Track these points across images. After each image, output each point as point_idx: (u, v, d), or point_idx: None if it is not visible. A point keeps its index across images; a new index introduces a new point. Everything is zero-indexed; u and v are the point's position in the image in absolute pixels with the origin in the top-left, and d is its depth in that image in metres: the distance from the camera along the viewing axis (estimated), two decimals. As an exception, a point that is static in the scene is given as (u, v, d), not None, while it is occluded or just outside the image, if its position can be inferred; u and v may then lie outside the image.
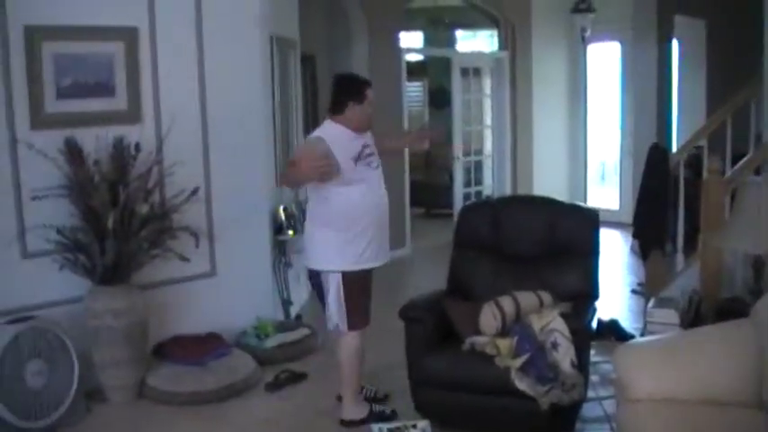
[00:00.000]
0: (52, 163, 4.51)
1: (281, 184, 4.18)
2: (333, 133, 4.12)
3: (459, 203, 9.37)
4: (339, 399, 4.43)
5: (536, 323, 3.90)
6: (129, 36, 4.89)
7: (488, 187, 10.10)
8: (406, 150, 8.62)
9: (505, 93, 9.85)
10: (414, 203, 9.37)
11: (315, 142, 4.09)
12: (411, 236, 9.01)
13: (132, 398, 4.69)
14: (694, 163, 6.19)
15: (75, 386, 4.39)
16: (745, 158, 5.07)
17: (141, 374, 4.73)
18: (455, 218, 8.72)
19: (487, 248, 4.57)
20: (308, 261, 4.30)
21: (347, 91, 4.16)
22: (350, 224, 4.10)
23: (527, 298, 4.16)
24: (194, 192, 4.93)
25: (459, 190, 9.56)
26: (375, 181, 4.20)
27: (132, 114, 4.93)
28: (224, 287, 5.39)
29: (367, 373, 4.46)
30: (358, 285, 4.19)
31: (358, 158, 4.11)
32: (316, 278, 4.30)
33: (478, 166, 10.03)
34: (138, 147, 4.70)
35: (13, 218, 4.56)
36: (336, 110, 4.15)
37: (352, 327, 4.20)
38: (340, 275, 4.14)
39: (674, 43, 8.94)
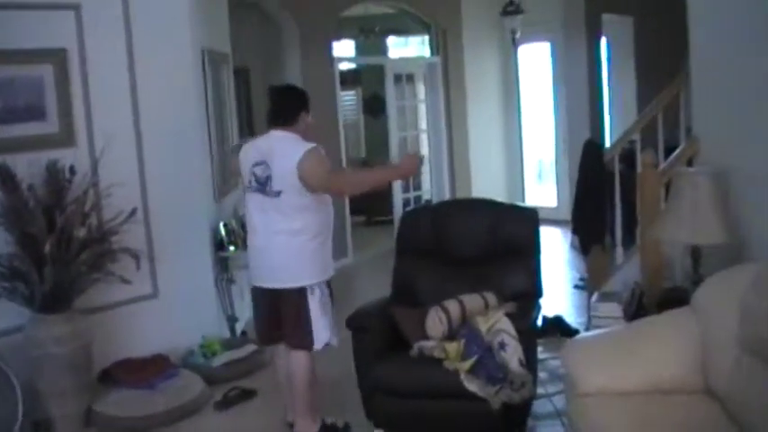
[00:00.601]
0: (-16, 190, 4.42)
1: (373, 186, 4.20)
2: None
3: (399, 210, 9.46)
4: (290, 426, 4.38)
5: (482, 325, 3.94)
6: (57, 58, 4.84)
7: (427, 192, 10.19)
8: (344, 160, 8.67)
9: (439, 97, 9.96)
10: (354, 212, 9.39)
11: (319, 149, 4.04)
12: (353, 245, 9.03)
13: (80, 426, 4.61)
14: (628, 157, 6.31)
15: (20, 418, 4.29)
16: (677, 150, 5.18)
17: (88, 402, 4.65)
18: (395, 224, 8.82)
19: (430, 253, 4.59)
20: (290, 278, 4.06)
21: (300, 101, 4.15)
22: (329, 232, 4.16)
23: (472, 300, 4.19)
24: (132, 213, 4.87)
25: (398, 196, 9.62)
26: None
27: (65, 137, 4.88)
28: (168, 307, 5.35)
29: (317, 387, 4.41)
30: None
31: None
32: (289, 298, 4.09)
33: None
34: (72, 170, 4.64)
35: (-56, 248, 4.46)
36: (289, 120, 4.08)
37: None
38: (326, 286, 4.13)
39: (603, 41, 9.11)
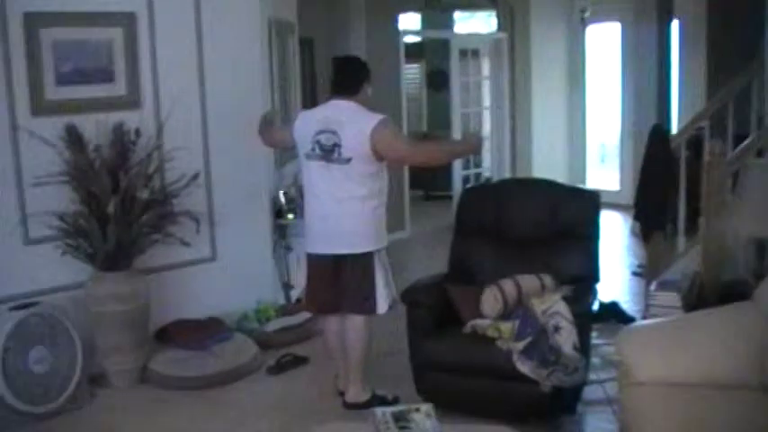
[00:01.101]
0: (53, 150, 4.53)
1: (442, 161, 4.78)
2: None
3: (458, 186, 9.41)
4: (341, 394, 4.44)
5: (538, 306, 3.92)
6: (127, 21, 4.90)
7: (487, 170, 10.10)
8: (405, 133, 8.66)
9: (504, 74, 9.84)
10: (412, 186, 9.39)
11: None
12: (410, 219, 9.03)
13: (135, 382, 4.72)
14: (695, 144, 6.20)
15: (78, 372, 4.42)
16: (746, 141, 5.07)
17: (143, 359, 4.75)
18: (454, 201, 8.82)
19: (488, 232, 4.59)
20: (359, 243, 4.11)
21: (363, 71, 4.20)
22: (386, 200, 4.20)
23: (529, 281, 4.18)
24: (194, 177, 4.94)
25: (457, 172, 9.56)
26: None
27: (132, 100, 4.95)
28: (225, 271, 5.41)
29: (369, 358, 4.45)
30: None
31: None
32: (355, 263, 4.13)
33: None
34: (137, 132, 4.71)
35: (14, 205, 4.59)
36: (352, 90, 4.13)
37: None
38: (384, 251, 4.20)
39: (675, 22, 8.91)
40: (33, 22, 4.54)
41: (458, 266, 4.57)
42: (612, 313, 5.57)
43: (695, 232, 5.61)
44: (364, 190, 4.06)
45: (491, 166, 10.09)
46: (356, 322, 4.23)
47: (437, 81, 12.08)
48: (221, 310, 5.31)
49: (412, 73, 12.10)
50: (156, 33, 5.02)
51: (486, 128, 10.09)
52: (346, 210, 4.07)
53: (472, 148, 4.32)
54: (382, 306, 4.18)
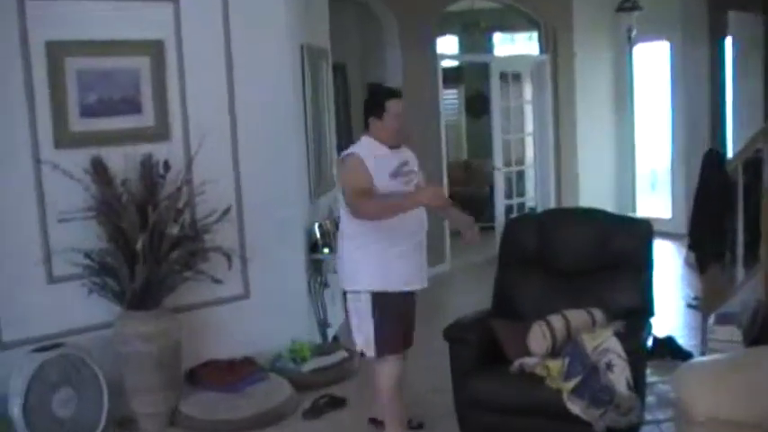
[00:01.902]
0: (78, 183, 4.56)
1: (363, 216, 4.01)
2: (367, 147, 4.13)
3: (500, 216, 9.38)
4: (373, 423, 4.46)
5: (589, 343, 3.87)
6: (154, 50, 4.96)
7: (531, 199, 10.07)
8: (444, 162, 8.68)
9: (547, 98, 9.82)
10: None
11: (354, 159, 4.08)
12: (451, 251, 8.98)
13: (165, 426, 4.72)
14: (754, 167, 6.11)
15: (104, 414, 4.44)
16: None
17: (174, 401, 4.75)
18: (497, 232, 8.77)
19: (534, 264, 4.56)
20: (341, 279, 4.29)
21: (367, 107, 4.22)
22: (385, 243, 4.08)
23: (578, 316, 4.13)
24: (226, 211, 4.95)
25: (500, 202, 9.54)
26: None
27: (160, 131, 5.00)
28: (258, 309, 5.42)
29: (410, 396, 4.45)
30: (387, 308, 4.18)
31: (396, 174, 4.11)
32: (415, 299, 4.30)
33: (520, 176, 10.01)
34: (167, 165, 4.74)
35: (38, 241, 4.65)
36: (366, 126, 4.21)
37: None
38: (365, 297, 4.12)
39: (728, 41, 8.84)
40: (57, 50, 4.61)
41: (502, 301, 4.54)
42: (668, 349, 5.48)
43: (755, 261, 5.52)
44: (347, 229, 4.17)
45: (535, 195, 10.03)
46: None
47: (477, 106, 12.12)
48: (254, 350, 5.30)
49: (451, 98, 12.10)
50: (185, 62, 5.07)
51: (529, 155, 10.05)
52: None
53: (428, 199, 3.97)
54: (362, 349, 4.20)
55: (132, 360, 4.56)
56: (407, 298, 4.20)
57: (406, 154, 4.25)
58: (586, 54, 10.15)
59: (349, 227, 4.13)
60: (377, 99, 4.21)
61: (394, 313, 4.11)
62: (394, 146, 4.16)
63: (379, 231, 4.04)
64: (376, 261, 4.08)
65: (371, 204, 3.98)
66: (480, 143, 11.07)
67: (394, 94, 4.26)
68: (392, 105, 4.13)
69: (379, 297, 4.07)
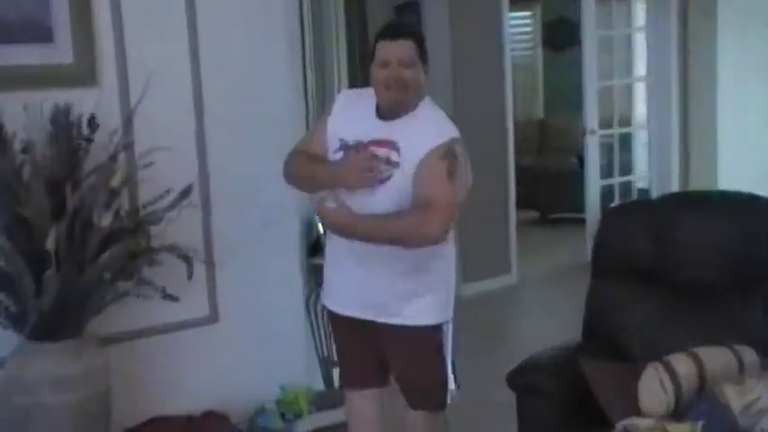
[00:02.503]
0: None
1: (285, 178, 4.38)
2: (351, 104, 4.31)
3: (593, 203, 9.44)
4: None
5: (734, 399, 3.71)
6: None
7: (642, 178, 10.12)
8: (510, 122, 8.62)
9: (671, 27, 9.70)
10: (523, 204, 9.47)
11: (324, 114, 4.32)
12: (518, 255, 8.99)
13: None
14: None
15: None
16: None
17: (102, 479, 4.72)
18: (588, 226, 8.79)
19: (647, 276, 4.48)
20: None
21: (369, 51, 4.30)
22: (330, 246, 4.43)
23: (716, 356, 3.98)
24: (185, 193, 4.85)
25: (593, 182, 9.56)
26: (363, 200, 4.13)
27: (82, 71, 4.92)
28: (231, 339, 5.44)
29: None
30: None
31: (354, 149, 4.16)
32: None
33: (625, 142, 10.07)
34: (93, 122, 4.61)
35: None
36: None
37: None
38: None
39: None
40: None
41: (598, 331, 4.48)
42: None
43: None
44: None
45: (648, 171, 10.05)
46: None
47: (560, 37, 12.23)
48: (225, 401, 5.33)
49: (521, 24, 12.30)
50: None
51: (640, 111, 10.07)
52: None
53: (338, 178, 4.14)
54: None
55: (37, 416, 4.44)
56: (354, 326, 4.35)
57: (401, 135, 4.10)
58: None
59: None
60: (371, 42, 4.29)
61: (337, 337, 4.65)
62: (388, 114, 4.13)
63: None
64: (325, 266, 4.53)
65: (291, 163, 4.36)
66: (564, 92, 11.24)
67: (386, 32, 4.20)
68: (380, 49, 4.11)
69: (327, 312, 4.59)
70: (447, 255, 4.23)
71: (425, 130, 4.09)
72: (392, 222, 4.03)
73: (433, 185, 3.96)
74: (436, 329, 4.21)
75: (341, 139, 4.18)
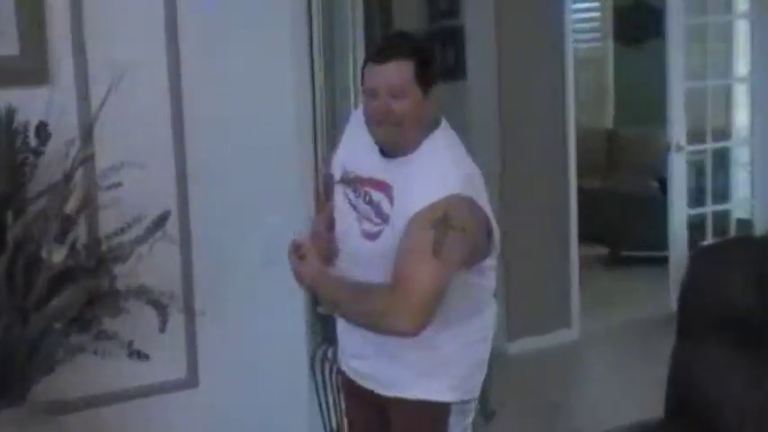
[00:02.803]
0: None
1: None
2: (362, 125, 4.28)
3: (680, 240, 9.46)
4: None
5: None
6: None
7: (743, 207, 10.15)
8: (571, 133, 8.64)
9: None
10: (587, 238, 9.53)
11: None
12: (582, 304, 9.00)
13: None
14: None
15: None
16: None
17: None
18: (672, 268, 8.74)
19: (750, 335, 4.49)
20: None
21: None
22: None
23: None
24: (160, 222, 4.84)
25: (679, 211, 9.58)
26: (348, 261, 4.26)
27: (30, 66, 4.94)
28: (214, 409, 5.45)
29: None
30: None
31: (346, 183, 4.33)
32: None
33: (721, 161, 10.07)
34: (44, 130, 4.65)
35: None
36: None
37: None
38: None
39: None
40: None
41: (685, 406, 4.50)
42: None
43: None
44: None
45: (751, 198, 10.04)
46: None
47: (636, 26, 12.29)
48: None
49: (585, 10, 12.49)
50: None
51: (741, 120, 9.98)
52: None
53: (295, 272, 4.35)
54: None
55: None
56: (361, 393, 4.48)
57: (397, 179, 4.14)
58: None
59: None
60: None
61: (350, 409, 4.75)
62: (388, 152, 4.17)
63: None
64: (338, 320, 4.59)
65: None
66: (640, 96, 11.11)
67: (374, 52, 4.23)
68: (367, 74, 4.15)
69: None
70: (475, 323, 4.27)
71: (422, 180, 4.04)
72: (361, 299, 4.06)
73: (410, 262, 3.91)
74: (444, 409, 4.23)
75: (343, 169, 4.29)
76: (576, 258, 8.91)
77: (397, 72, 4.03)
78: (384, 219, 4.11)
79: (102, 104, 4.77)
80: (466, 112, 8.25)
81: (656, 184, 10.28)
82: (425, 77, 4.05)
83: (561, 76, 8.69)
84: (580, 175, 9.02)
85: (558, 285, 8.48)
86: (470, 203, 3.97)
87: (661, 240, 9.52)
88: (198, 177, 5.34)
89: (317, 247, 4.25)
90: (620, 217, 10.85)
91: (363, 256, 4.16)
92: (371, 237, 4.13)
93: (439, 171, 4.03)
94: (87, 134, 4.84)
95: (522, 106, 7.99)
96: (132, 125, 5.02)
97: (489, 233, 4.06)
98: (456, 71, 8.75)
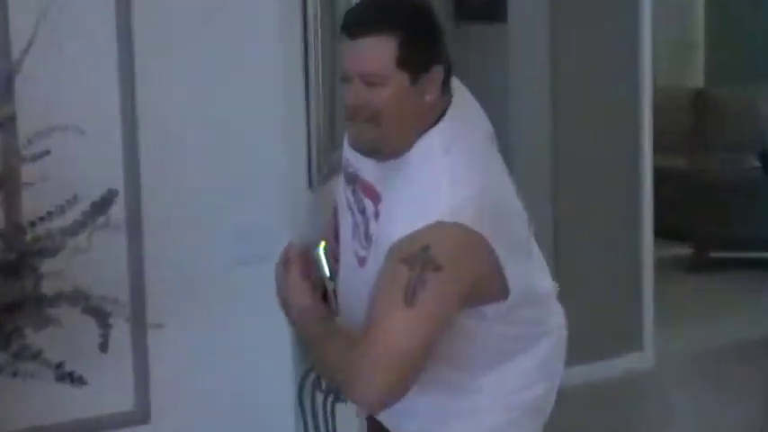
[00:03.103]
0: None
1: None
2: None
3: None
4: None
5: None
6: None
7: None
8: (646, 94, 8.62)
9: None
10: (666, 234, 9.64)
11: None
12: (656, 321, 9.01)
13: None
14: None
15: None
16: None
17: None
18: None
19: None
20: None
21: None
22: None
23: None
24: (102, 204, 4.81)
25: None
26: (350, 254, 4.31)
27: None
28: None
29: None
30: None
31: (348, 179, 4.39)
32: None
33: None
34: None
35: None
36: None
37: None
38: None
39: None
40: None
41: None
42: None
43: None
44: None
45: None
46: None
47: None
48: None
49: None
50: None
51: None
52: None
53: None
54: None
55: None
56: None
57: (386, 188, 4.11)
58: None
59: None
60: None
61: None
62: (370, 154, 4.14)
63: None
64: None
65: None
66: (740, 48, 11.02)
67: (348, 23, 4.07)
68: (342, 51, 4.09)
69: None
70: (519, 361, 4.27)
71: (406, 200, 3.96)
72: (326, 345, 4.02)
73: (379, 308, 3.85)
74: None
75: (346, 160, 4.31)
76: (650, 261, 8.92)
77: (373, 52, 3.90)
78: (369, 242, 4.12)
79: (27, 50, 4.74)
80: (503, 66, 8.16)
81: (757, 164, 10.24)
82: (414, 58, 3.88)
83: (635, 19, 8.66)
84: (657, 150, 8.99)
85: (626, 296, 8.46)
86: (465, 234, 3.79)
87: (762, 238, 9.50)
88: (153, 147, 5.32)
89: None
90: (710, 207, 10.80)
91: (356, 280, 4.19)
92: (361, 262, 4.17)
93: (425, 189, 3.91)
94: (6, 88, 4.82)
95: (581, 59, 7.94)
96: (67, 77, 5.01)
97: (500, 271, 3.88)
98: (493, 11, 8.69)
